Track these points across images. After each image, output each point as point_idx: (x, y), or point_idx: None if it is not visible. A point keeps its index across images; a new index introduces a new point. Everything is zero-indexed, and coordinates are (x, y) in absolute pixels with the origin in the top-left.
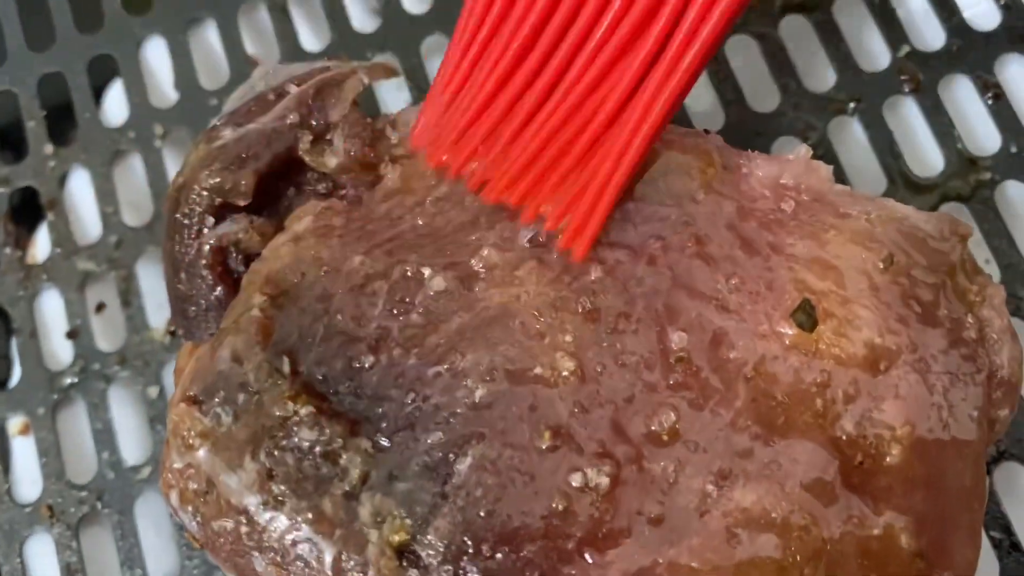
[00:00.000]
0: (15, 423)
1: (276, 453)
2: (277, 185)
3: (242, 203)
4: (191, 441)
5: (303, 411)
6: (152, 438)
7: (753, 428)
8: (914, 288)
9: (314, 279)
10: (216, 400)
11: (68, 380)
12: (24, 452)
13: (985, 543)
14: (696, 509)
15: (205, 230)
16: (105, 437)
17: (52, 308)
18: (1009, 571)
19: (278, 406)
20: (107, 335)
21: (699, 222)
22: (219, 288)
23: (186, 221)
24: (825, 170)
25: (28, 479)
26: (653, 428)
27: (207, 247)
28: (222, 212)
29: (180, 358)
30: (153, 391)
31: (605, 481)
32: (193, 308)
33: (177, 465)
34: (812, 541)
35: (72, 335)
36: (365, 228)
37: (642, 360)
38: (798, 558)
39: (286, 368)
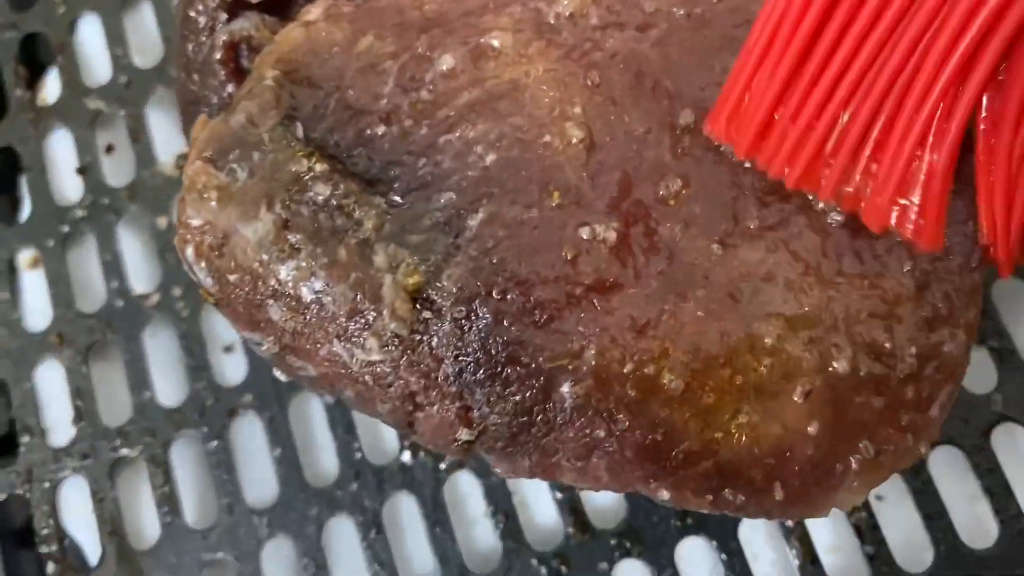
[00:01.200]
0: (25, 257)
1: (292, 205)
2: None
3: (254, 0)
4: (207, 195)
5: (318, 167)
6: (160, 267)
7: (759, 193)
8: None
9: (325, 58)
10: (231, 157)
11: (78, 214)
12: (34, 284)
13: (984, 354)
14: (702, 265)
15: (218, 26)
16: (114, 268)
17: (62, 147)
18: (1005, 376)
19: (293, 162)
20: (116, 173)
21: (704, 4)
22: (231, 85)
23: (200, 19)
24: None
25: (38, 310)
26: (660, 192)
27: (220, 41)
28: (234, 10)
29: (194, 129)
30: (162, 221)
31: (613, 235)
32: (206, 110)
33: (193, 221)
34: (817, 298)
35: (82, 171)
36: (373, 15)
37: (650, 131)
38: (805, 309)
39: (300, 132)
